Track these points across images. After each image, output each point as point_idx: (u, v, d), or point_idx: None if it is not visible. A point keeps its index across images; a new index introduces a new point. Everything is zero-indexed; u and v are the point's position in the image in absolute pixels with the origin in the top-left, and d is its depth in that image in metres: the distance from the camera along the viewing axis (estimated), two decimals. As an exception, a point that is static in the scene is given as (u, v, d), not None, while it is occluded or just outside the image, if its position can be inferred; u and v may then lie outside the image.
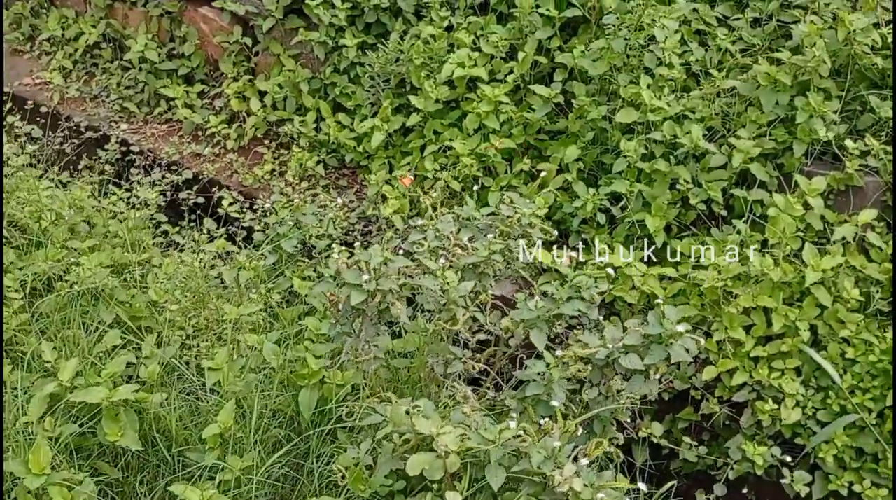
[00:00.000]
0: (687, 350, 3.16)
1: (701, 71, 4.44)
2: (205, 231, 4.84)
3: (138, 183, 5.24)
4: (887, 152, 4.02)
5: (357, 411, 3.09)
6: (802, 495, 3.68)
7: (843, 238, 3.91)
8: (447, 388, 3.26)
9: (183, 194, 5.30)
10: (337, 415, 3.23)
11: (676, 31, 4.32)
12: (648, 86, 4.24)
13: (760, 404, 3.78)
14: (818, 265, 3.80)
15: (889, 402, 3.67)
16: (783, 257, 3.88)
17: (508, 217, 3.66)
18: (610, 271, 3.54)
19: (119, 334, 3.56)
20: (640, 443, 3.83)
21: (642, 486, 2.89)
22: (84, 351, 3.54)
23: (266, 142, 5.54)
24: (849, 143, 4.02)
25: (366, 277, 2.99)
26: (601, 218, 4.26)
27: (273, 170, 5.39)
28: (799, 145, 4.07)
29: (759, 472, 3.73)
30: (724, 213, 4.18)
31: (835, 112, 4.09)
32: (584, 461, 2.67)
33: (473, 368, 3.35)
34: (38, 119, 5.97)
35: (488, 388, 3.50)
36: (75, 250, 4.07)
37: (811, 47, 4.07)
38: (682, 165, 4.20)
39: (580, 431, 2.92)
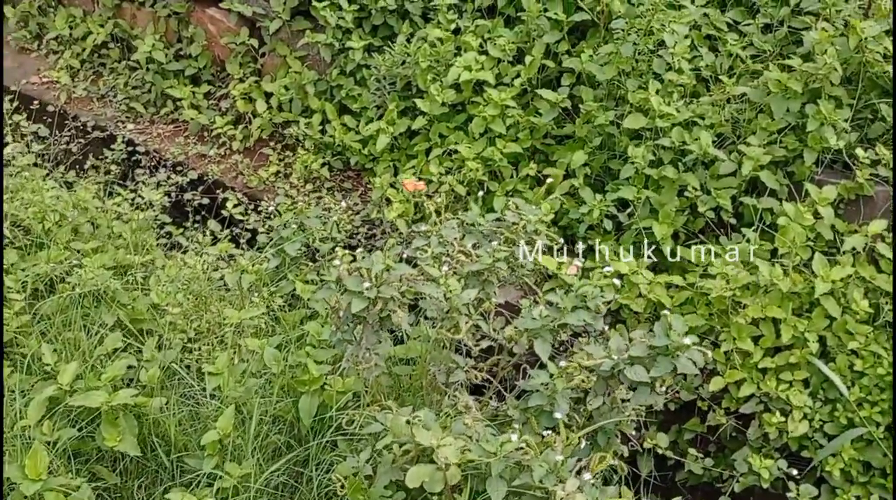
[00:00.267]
0: (694, 363, 3.10)
1: (711, 77, 4.39)
2: (208, 233, 4.82)
3: (143, 183, 5.22)
4: (899, 161, 3.98)
5: (358, 420, 3.05)
6: (808, 508, 3.64)
7: (853, 248, 3.86)
8: (449, 396, 3.21)
9: (188, 195, 5.29)
10: (337, 423, 3.19)
11: (686, 36, 4.27)
12: (657, 91, 4.20)
13: (768, 416, 3.74)
14: (828, 276, 3.75)
15: (898, 415, 3.62)
16: (793, 267, 3.83)
17: (514, 223, 3.62)
18: (616, 281, 3.49)
19: (120, 337, 3.54)
20: (644, 454, 3.79)
21: (646, 501, 2.85)
22: (85, 354, 3.51)
23: (271, 143, 5.52)
24: (860, 152, 3.97)
25: (367, 284, 2.96)
26: (608, 224, 4.22)
27: (278, 172, 5.37)
28: (809, 153, 4.02)
29: (765, 485, 3.68)
30: (733, 221, 4.13)
31: (846, 120, 4.04)
32: (587, 476, 2.63)
33: (476, 377, 3.31)
34: (44, 118, 5.97)
35: (491, 397, 3.45)
36: (78, 251, 4.05)
37: (822, 54, 4.02)
38: (691, 172, 4.16)
39: (583, 444, 2.88)
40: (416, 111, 4.82)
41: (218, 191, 5.33)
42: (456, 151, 4.63)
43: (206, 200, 5.28)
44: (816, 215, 3.90)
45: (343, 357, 3.28)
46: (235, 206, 5.08)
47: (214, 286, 4.11)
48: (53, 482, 2.88)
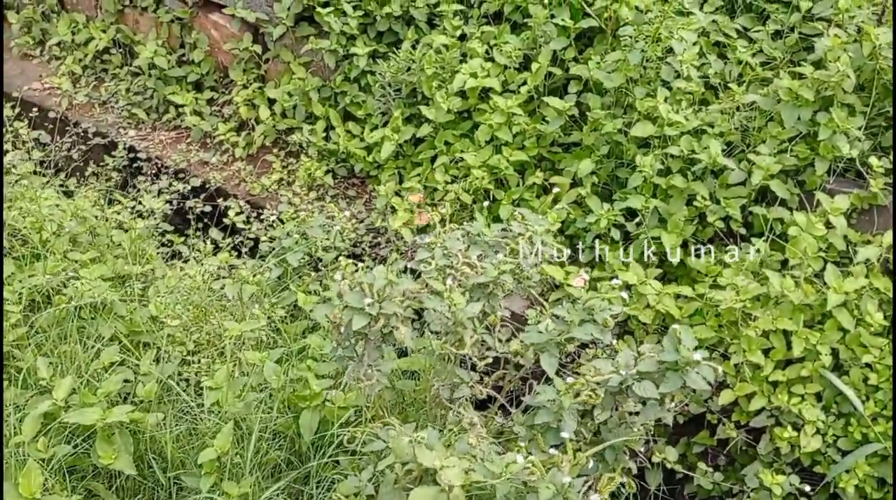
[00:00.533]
0: (705, 378, 3.02)
1: (720, 84, 4.32)
2: (210, 242, 4.75)
3: (145, 191, 5.16)
4: (913, 171, 3.89)
5: (359, 437, 2.98)
6: (821, 526, 3.56)
7: (867, 259, 3.77)
8: (454, 413, 3.14)
9: (190, 203, 5.23)
10: (339, 439, 3.12)
11: (695, 44, 4.20)
12: (665, 99, 4.12)
13: (779, 431, 3.65)
14: (840, 287, 3.67)
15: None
16: (804, 278, 3.75)
17: (519, 234, 3.54)
18: (624, 295, 3.41)
19: (116, 351, 3.47)
20: (653, 468, 3.71)
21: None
22: (81, 368, 3.45)
23: (275, 150, 5.45)
24: (873, 160, 3.89)
25: (368, 300, 2.88)
26: (615, 234, 4.14)
27: (281, 179, 5.30)
28: (821, 162, 3.94)
29: (777, 501, 3.61)
30: (742, 231, 4.05)
31: (859, 129, 3.95)
32: (595, 498, 2.55)
33: (481, 393, 3.23)
34: (46, 124, 5.92)
35: (496, 413, 3.38)
36: (76, 261, 3.99)
37: (835, 61, 3.94)
38: (700, 181, 4.08)
39: (591, 463, 2.80)
40: (422, 118, 4.75)
41: (220, 198, 5.28)
42: (462, 159, 4.56)
43: (208, 208, 5.22)
44: (828, 225, 3.81)
45: (345, 372, 3.21)
46: (238, 214, 5.02)
47: (215, 297, 4.04)
48: (48, 501, 2.82)
